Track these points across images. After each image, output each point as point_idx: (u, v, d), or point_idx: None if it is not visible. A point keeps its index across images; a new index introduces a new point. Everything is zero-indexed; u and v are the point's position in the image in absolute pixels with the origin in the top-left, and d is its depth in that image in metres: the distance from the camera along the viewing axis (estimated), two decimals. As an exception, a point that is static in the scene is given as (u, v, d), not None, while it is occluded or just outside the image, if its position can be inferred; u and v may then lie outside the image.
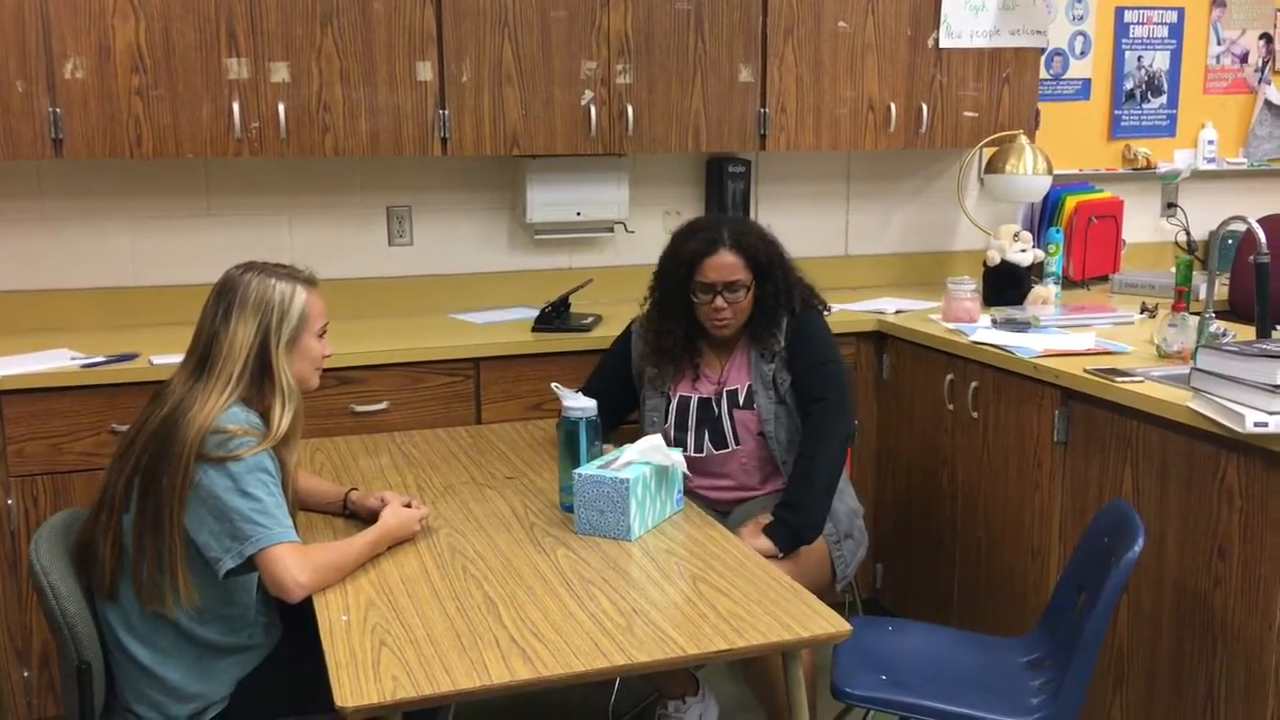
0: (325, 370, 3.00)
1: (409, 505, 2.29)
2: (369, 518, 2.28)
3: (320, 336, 2.24)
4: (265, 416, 2.12)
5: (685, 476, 2.45)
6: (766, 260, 2.72)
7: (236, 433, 2.03)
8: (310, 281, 2.23)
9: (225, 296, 2.14)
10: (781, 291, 2.74)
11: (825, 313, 2.86)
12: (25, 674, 2.96)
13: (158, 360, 2.92)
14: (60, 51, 2.97)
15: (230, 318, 2.12)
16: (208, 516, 2.01)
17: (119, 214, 3.44)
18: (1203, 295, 3.08)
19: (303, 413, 2.21)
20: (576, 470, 2.28)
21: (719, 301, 2.69)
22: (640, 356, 2.87)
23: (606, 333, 3.20)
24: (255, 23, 3.10)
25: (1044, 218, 4.13)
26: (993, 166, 3.86)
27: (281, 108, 3.14)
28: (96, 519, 2.10)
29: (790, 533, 2.51)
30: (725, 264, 2.69)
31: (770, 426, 2.72)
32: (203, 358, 2.12)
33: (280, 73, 3.14)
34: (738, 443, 2.75)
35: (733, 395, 2.76)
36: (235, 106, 3.11)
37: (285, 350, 2.14)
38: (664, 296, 2.80)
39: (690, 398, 2.79)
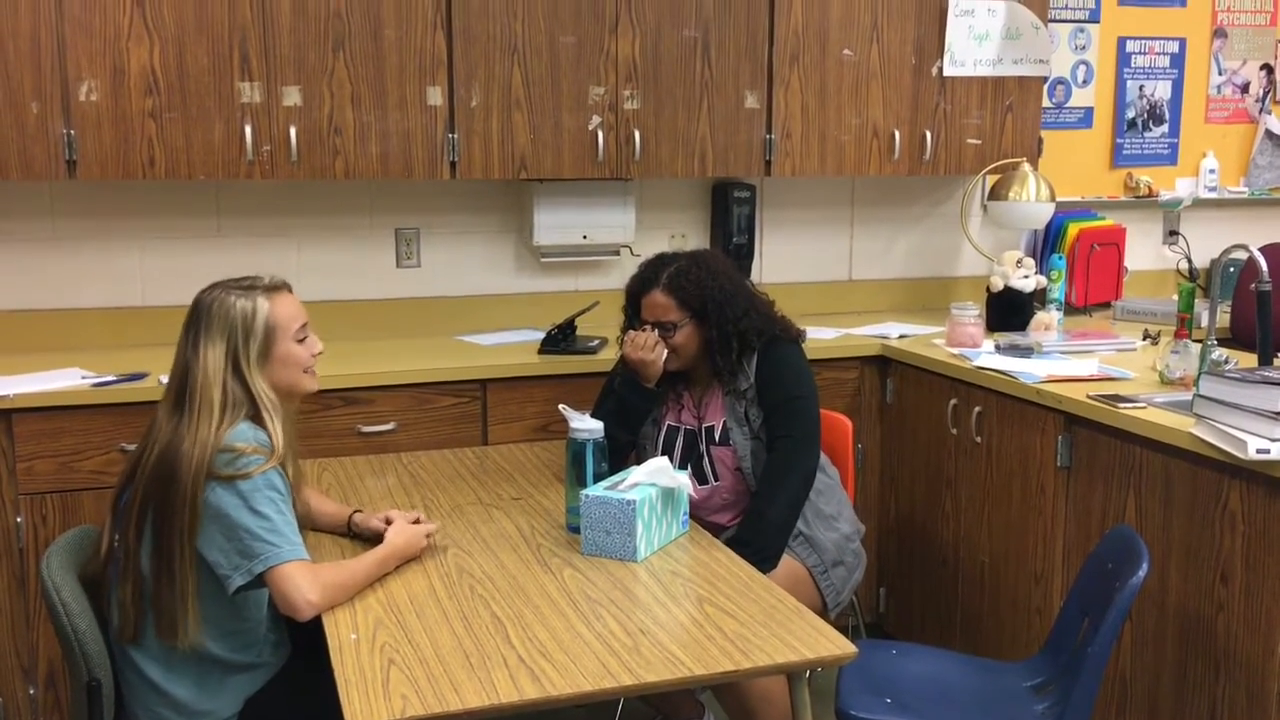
0: (332, 391, 3.04)
1: (416, 521, 2.30)
2: (374, 538, 2.28)
3: (301, 340, 2.21)
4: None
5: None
6: (701, 305, 2.71)
7: (245, 450, 2.04)
8: (273, 288, 2.19)
9: (193, 324, 2.14)
10: (732, 333, 2.71)
11: (800, 342, 2.83)
12: (31, 691, 2.96)
13: (166, 380, 2.93)
14: (75, 74, 3.01)
15: (199, 345, 2.11)
16: (217, 534, 2.02)
17: (130, 234, 3.46)
18: (1205, 322, 3.10)
19: (292, 424, 2.19)
20: (583, 491, 2.30)
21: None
22: None
23: (612, 355, 3.21)
24: (268, 47, 3.14)
25: (1047, 244, 4.15)
26: (996, 193, 3.89)
27: (293, 131, 3.17)
28: (106, 567, 2.10)
29: None
30: (656, 304, 2.73)
31: (746, 463, 2.74)
32: (180, 390, 2.11)
33: (292, 96, 3.18)
34: (716, 479, 2.79)
35: (710, 432, 2.79)
36: (247, 129, 3.14)
37: (258, 367, 2.13)
38: (627, 326, 2.86)
39: (678, 428, 2.82)
